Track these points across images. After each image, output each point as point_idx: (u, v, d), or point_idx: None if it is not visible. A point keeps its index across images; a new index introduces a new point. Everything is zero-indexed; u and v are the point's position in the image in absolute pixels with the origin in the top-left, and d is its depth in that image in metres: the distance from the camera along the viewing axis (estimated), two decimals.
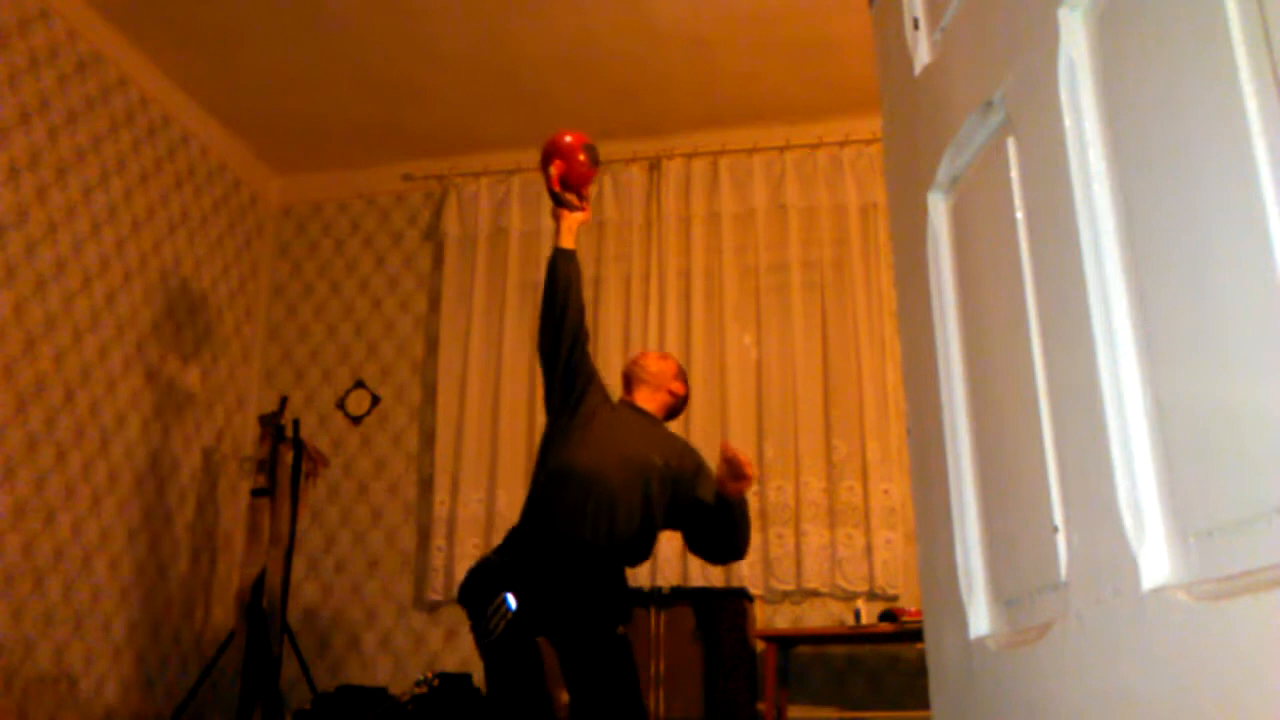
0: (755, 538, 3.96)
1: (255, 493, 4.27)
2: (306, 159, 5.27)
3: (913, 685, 4.11)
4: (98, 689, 3.98)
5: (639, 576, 4.04)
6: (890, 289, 4.47)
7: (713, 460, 2.94)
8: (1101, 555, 0.83)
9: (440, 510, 4.68)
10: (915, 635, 3.69)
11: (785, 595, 4.35)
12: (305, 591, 4.78)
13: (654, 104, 4.77)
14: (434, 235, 5.23)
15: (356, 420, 5.02)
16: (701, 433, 4.35)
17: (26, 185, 3.84)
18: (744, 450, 2.80)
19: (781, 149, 4.82)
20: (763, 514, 4.34)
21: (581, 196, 2.96)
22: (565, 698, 3.64)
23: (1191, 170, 0.75)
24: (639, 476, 2.74)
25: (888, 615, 3.85)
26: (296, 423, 4.44)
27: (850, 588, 4.25)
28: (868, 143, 4.71)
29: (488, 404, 4.78)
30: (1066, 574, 0.90)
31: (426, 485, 4.82)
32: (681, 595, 3.94)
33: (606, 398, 2.92)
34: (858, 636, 3.92)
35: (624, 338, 4.71)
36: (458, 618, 4.62)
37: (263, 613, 4.06)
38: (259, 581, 4.10)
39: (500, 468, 4.65)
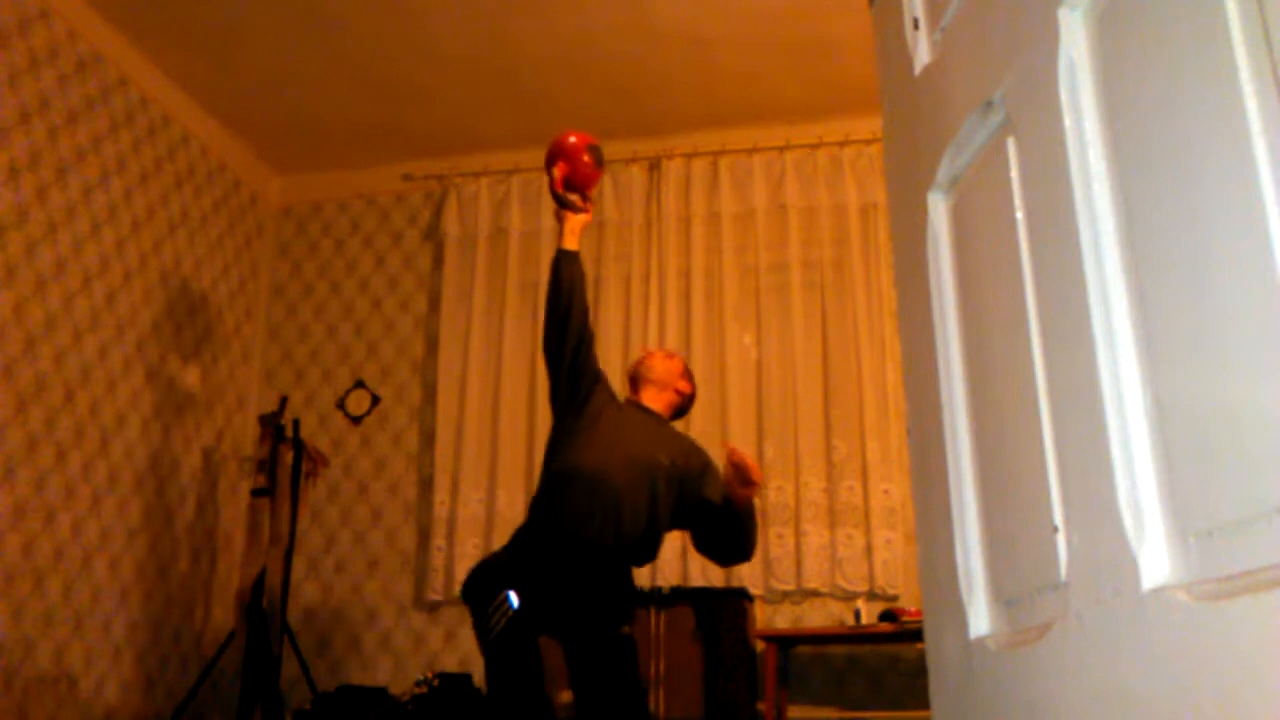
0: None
1: (255, 493, 4.28)
2: (306, 159, 5.27)
3: (913, 685, 4.11)
4: (98, 689, 3.98)
5: (639, 577, 4.04)
6: (890, 289, 4.47)
7: (719, 462, 2.94)
8: (1101, 555, 0.83)
9: (440, 510, 4.68)
10: (915, 635, 3.69)
11: (785, 595, 4.35)
12: (305, 591, 4.78)
13: (654, 104, 4.77)
14: (434, 235, 5.23)
15: (356, 420, 5.02)
16: (701, 433, 4.34)
17: (26, 185, 3.84)
18: (748, 453, 2.80)
19: (781, 149, 4.82)
20: (763, 514, 4.33)
21: (585, 198, 2.96)
22: (565, 698, 3.64)
23: (1191, 170, 0.75)
24: (645, 476, 2.74)
25: (888, 615, 3.85)
26: (296, 423, 4.44)
27: (850, 588, 4.25)
28: (868, 143, 4.71)
29: (488, 404, 4.78)
30: (1066, 574, 0.90)
31: (426, 485, 4.82)
32: (681, 595, 3.94)
33: (613, 397, 2.93)
34: (858, 636, 3.92)
35: (624, 338, 4.71)
36: (458, 618, 4.62)
37: (263, 613, 4.06)
38: (259, 581, 4.10)
39: (500, 468, 4.65)
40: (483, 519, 4.63)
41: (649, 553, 2.79)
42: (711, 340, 4.63)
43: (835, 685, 4.24)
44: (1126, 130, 0.85)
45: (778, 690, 3.90)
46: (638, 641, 2.76)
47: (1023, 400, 0.99)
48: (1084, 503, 0.87)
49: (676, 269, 4.78)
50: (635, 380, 3.02)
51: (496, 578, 2.61)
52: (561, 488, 2.72)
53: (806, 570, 4.28)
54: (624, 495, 2.68)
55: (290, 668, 4.21)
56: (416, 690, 4.04)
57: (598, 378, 2.90)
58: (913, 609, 3.84)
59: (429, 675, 4.11)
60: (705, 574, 4.25)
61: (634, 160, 4.94)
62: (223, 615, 4.65)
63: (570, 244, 2.90)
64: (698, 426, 4.40)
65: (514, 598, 2.54)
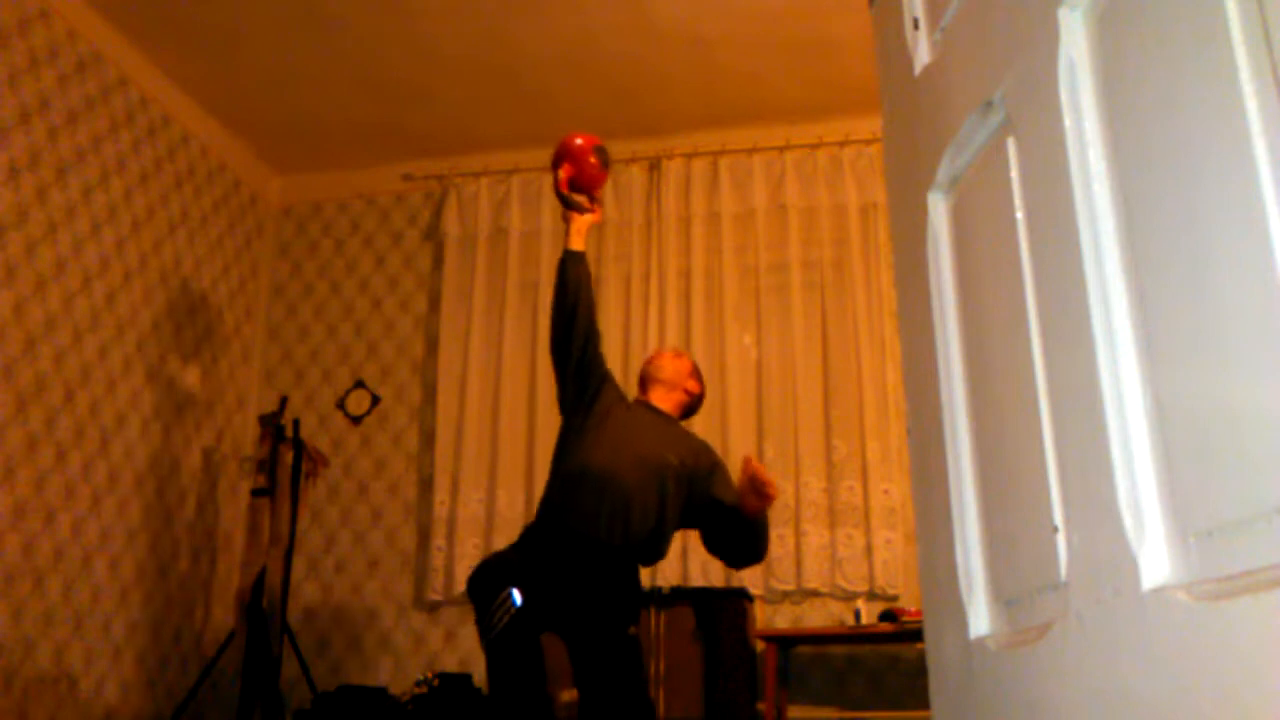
0: None
1: (255, 493, 4.27)
2: (306, 159, 5.27)
3: (913, 685, 4.11)
4: (98, 689, 3.98)
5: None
6: (890, 289, 4.47)
7: (733, 468, 2.95)
8: (1101, 555, 0.83)
9: (440, 510, 4.68)
10: (915, 635, 3.69)
11: (785, 595, 4.35)
12: (305, 591, 4.78)
13: (654, 104, 4.77)
14: (434, 235, 5.23)
15: (356, 420, 5.02)
16: (701, 433, 4.32)
17: (26, 185, 3.84)
18: (764, 465, 2.79)
19: (781, 149, 4.82)
20: None
21: (593, 199, 2.97)
22: (565, 698, 3.64)
23: (1191, 170, 0.75)
24: (654, 476, 2.74)
25: (888, 615, 3.85)
26: (296, 423, 4.44)
27: (850, 588, 4.25)
28: (868, 143, 4.71)
29: (488, 404, 4.78)
30: (1066, 574, 0.90)
31: (426, 485, 4.82)
32: (681, 595, 3.94)
33: (621, 397, 2.93)
34: (858, 636, 3.92)
35: (624, 338, 4.71)
36: (458, 618, 4.62)
37: (263, 613, 4.06)
38: (259, 581, 4.10)
39: (500, 468, 4.65)
40: (483, 519, 4.63)
41: (657, 552, 2.80)
42: (711, 340, 4.63)
43: (835, 685, 4.24)
44: (1126, 130, 0.85)
45: (778, 690, 3.90)
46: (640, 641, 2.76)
47: (1023, 400, 0.99)
48: (1084, 503, 0.87)
49: (676, 269, 4.78)
50: (644, 380, 3.03)
51: (501, 575, 2.62)
52: (570, 487, 2.73)
53: (806, 570, 4.28)
54: (633, 495, 2.69)
55: (290, 668, 4.21)
56: (416, 690, 4.04)
57: (605, 377, 2.91)
58: (913, 609, 3.84)
59: (429, 675, 4.11)
60: (705, 574, 4.25)
61: (634, 160, 4.94)
62: (223, 615, 4.65)
63: (576, 244, 2.91)
64: (698, 427, 4.39)
65: (517, 596, 2.54)
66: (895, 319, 3.71)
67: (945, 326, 1.19)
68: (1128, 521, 0.80)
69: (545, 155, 4.80)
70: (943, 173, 1.20)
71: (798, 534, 4.32)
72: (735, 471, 2.88)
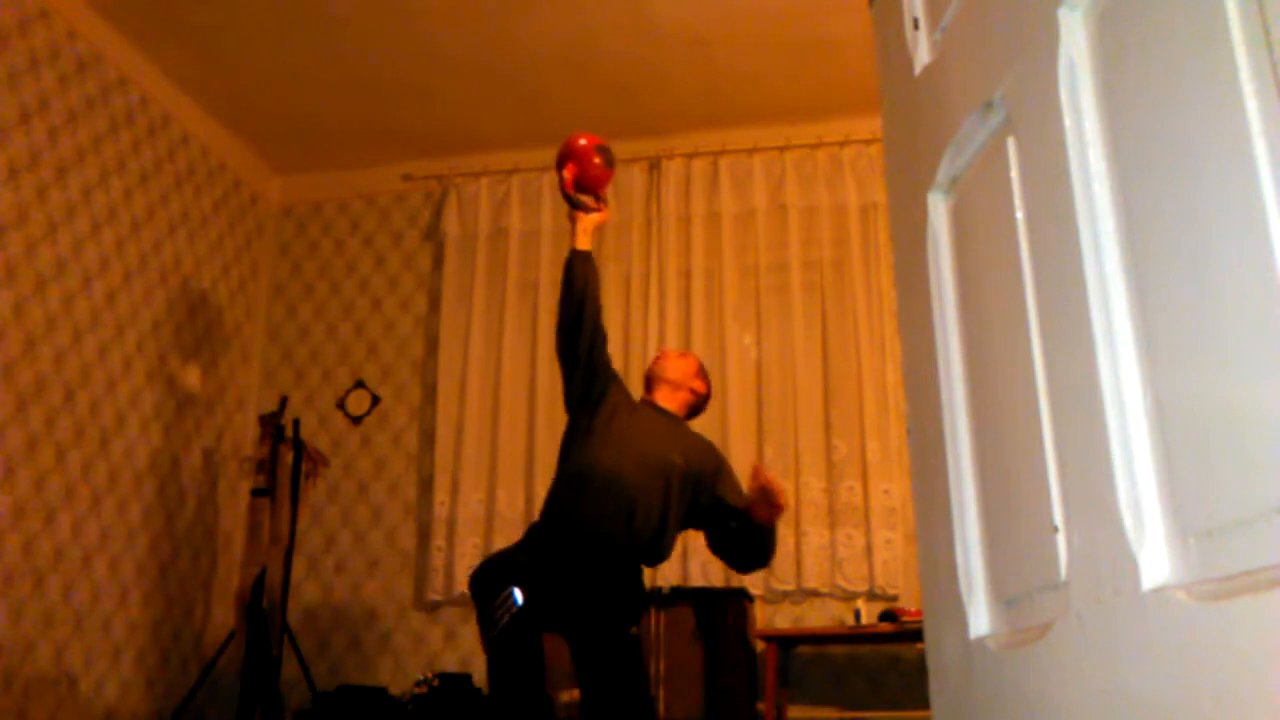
0: None
1: (255, 493, 4.27)
2: (306, 159, 5.27)
3: (913, 685, 4.11)
4: (98, 689, 3.98)
5: None
6: (890, 289, 4.47)
7: (740, 472, 2.95)
8: (1101, 555, 0.83)
9: (440, 510, 4.68)
10: (915, 635, 3.69)
11: (785, 595, 4.35)
12: (305, 591, 4.78)
13: (654, 104, 4.77)
14: (434, 235, 5.23)
15: (356, 420, 5.02)
16: (701, 432, 4.34)
17: (26, 185, 3.84)
18: (775, 476, 2.77)
19: (781, 149, 4.82)
20: None
21: (598, 198, 2.97)
22: (565, 698, 3.64)
23: (1191, 170, 0.75)
24: (659, 477, 2.74)
25: (888, 615, 3.85)
26: (296, 423, 4.44)
27: (850, 588, 4.25)
28: (868, 143, 4.71)
29: (488, 404, 4.78)
30: (1066, 574, 0.90)
31: (426, 485, 4.82)
32: (681, 595, 3.94)
33: (627, 397, 2.94)
34: (858, 636, 3.92)
35: (624, 338, 4.71)
36: (458, 618, 4.62)
37: (263, 613, 4.06)
38: (259, 581, 4.10)
39: (500, 468, 4.65)
40: (483, 519, 4.63)
41: (661, 553, 2.80)
42: (711, 340, 4.63)
43: (835, 685, 4.24)
44: (1126, 130, 0.85)
45: (778, 690, 3.90)
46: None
47: (1023, 400, 0.99)
48: (1084, 503, 0.87)
49: (676, 269, 4.78)
50: (650, 380, 3.04)
51: (504, 574, 2.62)
52: (575, 486, 2.73)
53: (806, 570, 4.28)
54: (637, 495, 2.69)
55: (290, 668, 4.21)
56: (416, 690, 4.04)
57: (612, 377, 2.91)
58: (913, 609, 3.84)
59: (429, 675, 4.11)
60: (705, 574, 4.25)
61: (634, 160, 4.94)
62: (223, 615, 4.65)
63: (582, 244, 2.91)
64: (698, 427, 4.39)
65: (519, 595, 2.55)
66: (895, 319, 3.71)
67: (945, 326, 1.19)
68: (1128, 521, 0.80)
69: (545, 155, 4.83)
70: (943, 173, 1.20)
71: (798, 534, 4.32)
72: (743, 475, 2.88)
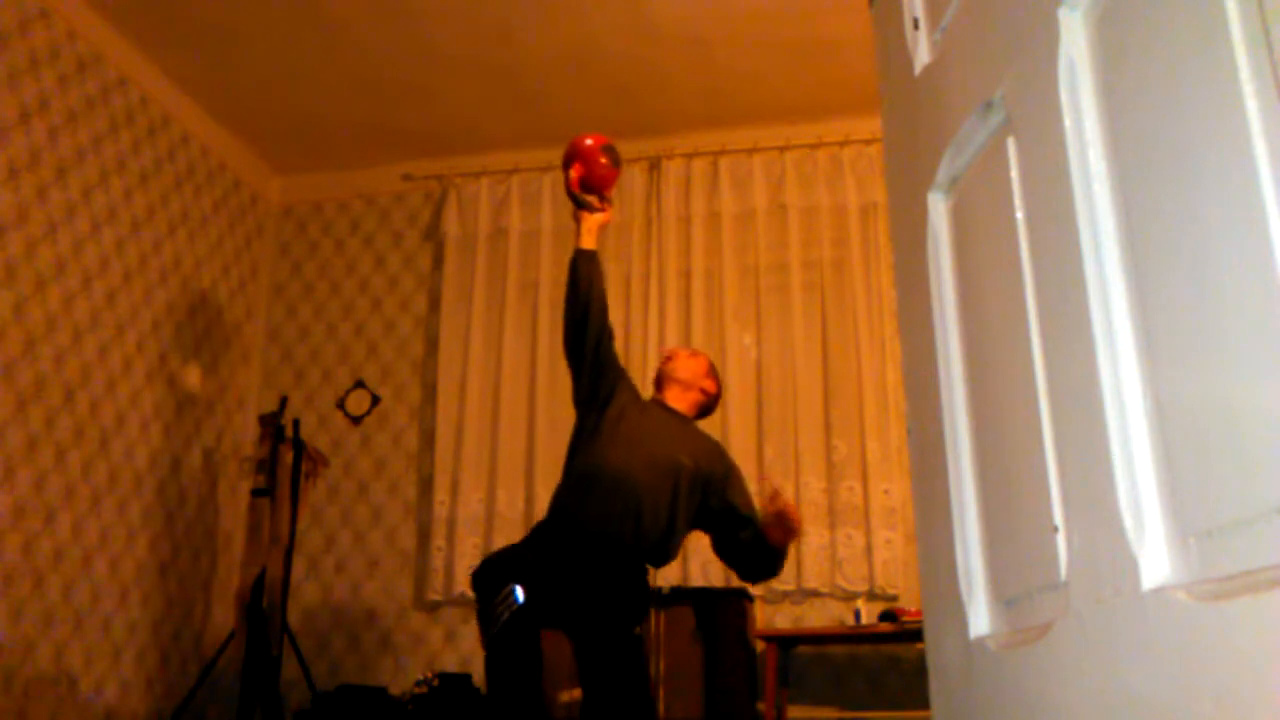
0: None
1: (255, 493, 4.27)
2: (306, 159, 5.27)
3: (913, 685, 4.11)
4: (98, 689, 3.98)
5: None
6: (890, 289, 4.47)
7: (749, 475, 2.95)
8: (1101, 555, 0.83)
9: (440, 510, 4.68)
10: (915, 635, 3.69)
11: (785, 595, 4.35)
12: (305, 591, 4.78)
13: (654, 104, 4.77)
14: (434, 235, 5.23)
15: (356, 420, 5.02)
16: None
17: (26, 185, 3.84)
18: (788, 498, 2.76)
19: (781, 149, 4.82)
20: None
21: (604, 198, 2.98)
22: (565, 698, 3.64)
23: (1191, 170, 0.75)
24: (667, 477, 2.74)
25: (888, 615, 3.85)
26: (296, 423, 4.44)
27: (850, 588, 4.25)
28: (868, 143, 4.71)
29: (488, 404, 4.78)
30: (1066, 574, 0.90)
31: (426, 485, 4.82)
32: (681, 595, 3.94)
33: (636, 396, 2.93)
34: (858, 636, 3.92)
35: (624, 338, 4.70)
36: (458, 618, 4.62)
37: (263, 613, 4.06)
38: (259, 581, 4.10)
39: (500, 468, 4.65)
40: (483, 519, 4.63)
41: (667, 554, 2.79)
42: (711, 340, 4.63)
43: (835, 685, 4.24)
44: (1126, 130, 0.85)
45: (778, 690, 3.90)
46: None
47: (1023, 400, 0.99)
48: (1084, 503, 0.87)
49: (676, 269, 4.78)
50: (660, 379, 3.03)
51: (507, 570, 2.62)
52: (582, 486, 2.73)
53: (806, 570, 4.28)
54: (644, 495, 2.69)
55: (290, 668, 4.21)
56: (416, 690, 4.04)
57: (620, 375, 2.91)
58: (913, 609, 3.84)
59: (429, 675, 4.11)
60: (705, 574, 4.25)
61: (634, 160, 4.94)
62: (223, 615, 4.65)
63: (587, 243, 2.92)
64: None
65: (520, 593, 2.54)
66: (895, 319, 3.71)
67: (945, 326, 1.19)
68: (1128, 521, 0.80)
69: (545, 155, 4.84)
70: (943, 173, 1.20)
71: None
72: (748, 477, 2.89)
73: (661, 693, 3.76)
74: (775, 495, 2.70)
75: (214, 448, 4.79)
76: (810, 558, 4.29)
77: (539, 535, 2.76)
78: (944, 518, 1.16)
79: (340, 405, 5.06)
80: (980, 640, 1.07)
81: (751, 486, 2.99)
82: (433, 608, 4.68)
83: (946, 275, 1.21)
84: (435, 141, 5.09)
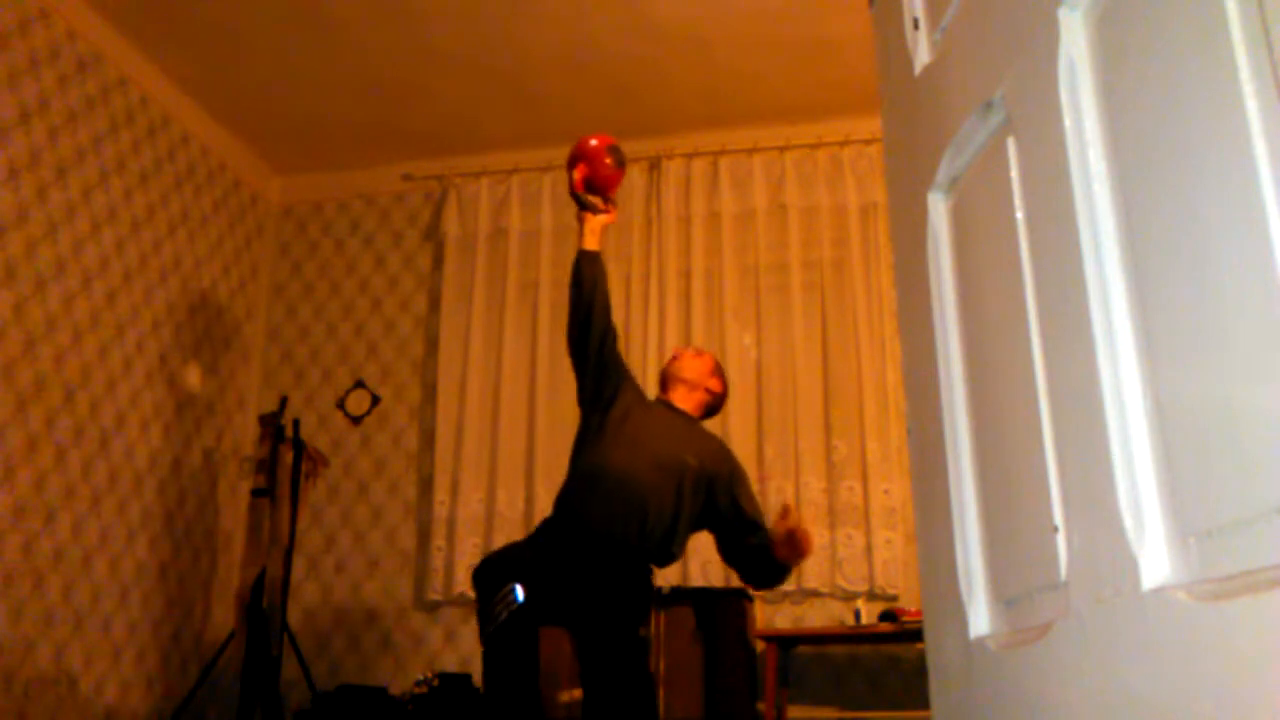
0: None
1: (255, 493, 4.27)
2: (306, 159, 5.27)
3: (913, 685, 4.11)
4: (98, 689, 3.98)
5: None
6: (890, 289, 4.47)
7: (749, 475, 2.96)
8: (1101, 555, 0.83)
9: (440, 510, 4.68)
10: (915, 635, 3.69)
11: (785, 595, 4.35)
12: (305, 591, 4.78)
13: (654, 104, 4.77)
14: (434, 235, 5.23)
15: (356, 420, 5.02)
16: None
17: (26, 185, 3.84)
18: (803, 523, 2.74)
19: (781, 149, 4.82)
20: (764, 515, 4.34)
21: (607, 199, 2.98)
22: (565, 698, 3.64)
23: (1191, 170, 0.75)
24: (671, 477, 2.74)
25: (888, 615, 3.85)
26: (296, 423, 4.44)
27: (850, 588, 4.25)
28: (868, 143, 4.71)
29: (488, 404, 4.78)
30: (1066, 574, 0.90)
31: (426, 485, 4.82)
32: (681, 595, 3.94)
33: (641, 396, 2.93)
34: (858, 636, 3.92)
35: (624, 338, 4.70)
36: (458, 618, 4.62)
37: (263, 613, 4.06)
38: (259, 581, 4.10)
39: (500, 468, 4.65)
40: (483, 519, 4.63)
41: (671, 554, 2.79)
42: (711, 340, 4.63)
43: (835, 685, 4.24)
44: (1126, 130, 0.85)
45: (778, 690, 3.90)
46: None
47: (1023, 400, 0.99)
48: (1084, 503, 0.87)
49: (676, 269, 4.78)
50: (665, 379, 3.03)
51: (507, 569, 2.62)
52: (586, 486, 2.73)
53: (806, 570, 4.28)
54: (649, 496, 2.69)
55: (290, 668, 4.21)
56: (416, 690, 4.04)
57: (625, 375, 2.91)
58: (913, 609, 3.84)
59: (429, 675, 4.11)
60: (705, 574, 4.25)
61: (634, 160, 4.92)
62: (223, 615, 4.64)
63: (591, 244, 2.93)
64: None
65: (520, 591, 2.54)
66: (895, 319, 3.71)
67: (945, 326, 1.19)
68: (1128, 521, 0.80)
69: (545, 155, 4.84)
70: (943, 173, 1.20)
71: None
72: (756, 488, 2.90)
73: (661, 693, 3.76)
74: (787, 513, 2.68)
75: (214, 448, 4.79)
76: (810, 558, 4.28)
77: (543, 535, 2.75)
78: (944, 518, 1.16)
79: (340, 405, 5.06)
80: (980, 640, 1.07)
81: (753, 487, 2.99)
82: (433, 608, 4.68)
83: (946, 275, 1.21)
84: (435, 141, 5.09)
